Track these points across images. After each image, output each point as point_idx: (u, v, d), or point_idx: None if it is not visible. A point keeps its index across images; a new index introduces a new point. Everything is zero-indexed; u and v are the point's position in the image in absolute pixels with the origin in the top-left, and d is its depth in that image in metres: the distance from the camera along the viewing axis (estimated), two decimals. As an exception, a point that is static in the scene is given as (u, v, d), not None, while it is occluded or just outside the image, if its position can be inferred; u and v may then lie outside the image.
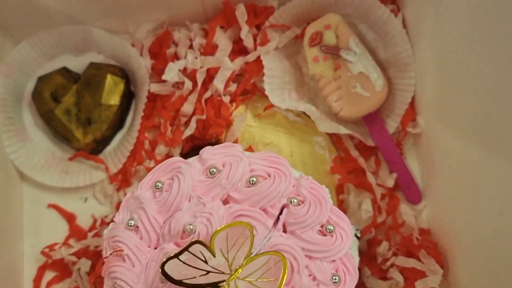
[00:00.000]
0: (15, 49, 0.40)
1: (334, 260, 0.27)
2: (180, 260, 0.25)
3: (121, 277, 0.27)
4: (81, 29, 0.41)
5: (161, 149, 0.40)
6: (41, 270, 0.40)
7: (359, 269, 0.31)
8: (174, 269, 0.25)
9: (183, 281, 0.25)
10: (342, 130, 0.38)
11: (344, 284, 0.27)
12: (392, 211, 0.38)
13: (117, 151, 0.41)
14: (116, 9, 0.40)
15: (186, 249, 0.25)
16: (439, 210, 0.37)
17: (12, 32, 0.42)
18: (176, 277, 0.25)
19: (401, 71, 0.39)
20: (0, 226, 0.38)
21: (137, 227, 0.28)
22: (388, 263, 0.35)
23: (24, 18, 0.40)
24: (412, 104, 0.39)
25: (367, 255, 0.37)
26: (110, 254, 0.28)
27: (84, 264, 0.38)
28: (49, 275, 0.40)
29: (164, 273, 0.24)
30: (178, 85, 0.41)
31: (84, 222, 0.41)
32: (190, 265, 0.25)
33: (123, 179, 0.40)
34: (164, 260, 0.24)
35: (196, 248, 0.25)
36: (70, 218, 0.41)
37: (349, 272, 0.27)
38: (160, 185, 0.28)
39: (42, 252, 0.39)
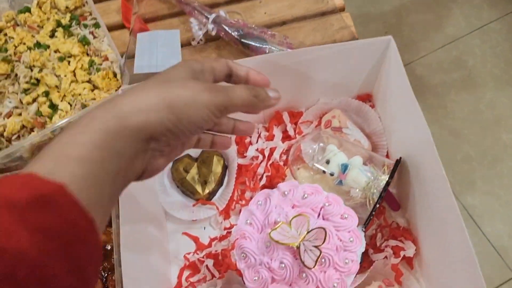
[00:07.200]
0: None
1: (349, 231, 0.55)
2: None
3: (245, 247, 0.55)
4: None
5: (247, 194, 0.70)
6: (182, 270, 0.68)
7: (366, 250, 0.59)
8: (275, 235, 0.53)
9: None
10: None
11: (356, 242, 0.55)
12: (382, 215, 0.66)
13: (221, 198, 0.71)
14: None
15: (277, 227, 0.54)
16: (410, 215, 0.65)
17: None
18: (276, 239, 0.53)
19: (377, 137, 0.69)
20: (157, 245, 0.67)
21: (251, 223, 0.57)
22: (383, 244, 0.63)
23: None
24: (387, 156, 0.69)
25: (370, 243, 0.64)
26: (237, 238, 0.57)
27: (208, 262, 0.66)
28: (186, 273, 0.68)
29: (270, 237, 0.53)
30: (253, 158, 0.71)
31: (204, 241, 0.69)
32: (281, 233, 0.53)
33: (226, 213, 0.69)
34: (270, 230, 0.53)
35: (283, 226, 0.54)
36: (195, 239, 0.70)
37: (357, 237, 0.55)
38: (260, 202, 0.58)
39: (184, 257, 0.68)
